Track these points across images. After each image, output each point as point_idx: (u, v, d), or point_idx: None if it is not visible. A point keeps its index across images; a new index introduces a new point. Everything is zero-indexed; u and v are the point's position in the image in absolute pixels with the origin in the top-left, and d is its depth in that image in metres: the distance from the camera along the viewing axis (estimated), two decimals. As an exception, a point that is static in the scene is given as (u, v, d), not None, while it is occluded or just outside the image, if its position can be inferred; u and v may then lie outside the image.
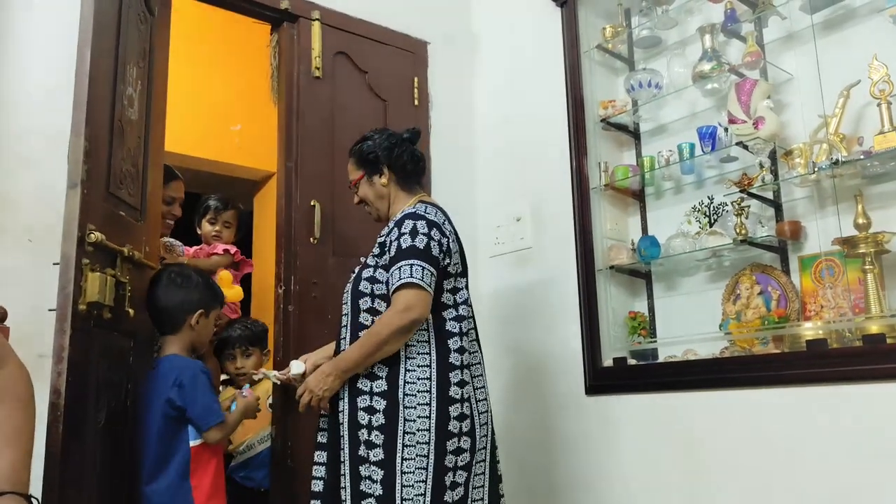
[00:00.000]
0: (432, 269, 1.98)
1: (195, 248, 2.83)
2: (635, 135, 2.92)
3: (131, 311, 1.98)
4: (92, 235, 1.79)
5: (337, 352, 2.10)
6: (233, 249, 2.84)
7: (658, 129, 2.87)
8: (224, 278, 2.68)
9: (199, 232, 2.89)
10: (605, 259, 2.76)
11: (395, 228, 2.05)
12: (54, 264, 1.76)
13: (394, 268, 1.98)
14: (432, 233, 2.02)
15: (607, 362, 2.65)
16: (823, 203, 2.34)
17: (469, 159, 3.29)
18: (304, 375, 2.20)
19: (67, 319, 1.72)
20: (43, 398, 1.65)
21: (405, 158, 2.20)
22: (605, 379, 2.64)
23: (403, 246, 1.99)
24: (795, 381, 2.15)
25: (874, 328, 2.05)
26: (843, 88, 2.23)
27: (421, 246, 1.99)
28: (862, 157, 2.16)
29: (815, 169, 2.25)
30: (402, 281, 1.95)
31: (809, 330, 2.23)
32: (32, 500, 1.22)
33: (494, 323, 3.06)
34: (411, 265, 1.96)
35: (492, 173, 3.25)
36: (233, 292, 2.72)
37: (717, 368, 2.35)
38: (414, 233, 2.00)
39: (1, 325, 1.62)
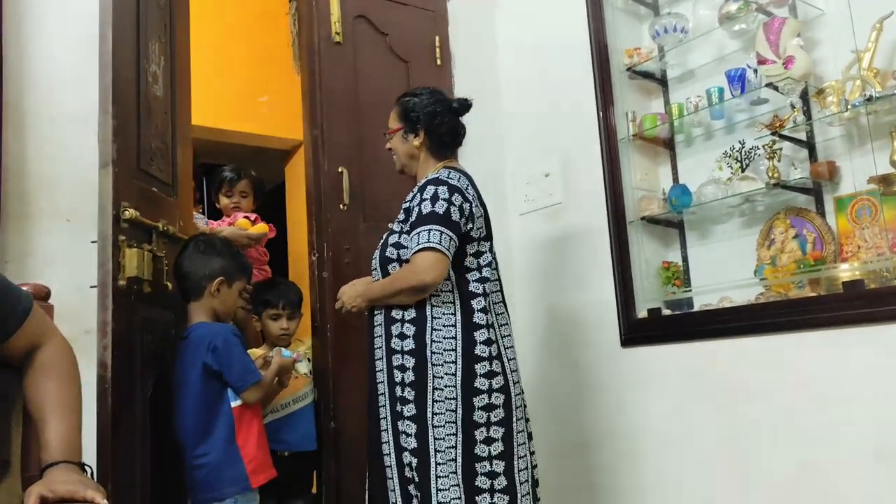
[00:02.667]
0: (451, 234, 2.00)
1: (217, 221, 2.88)
2: (662, 82, 2.87)
3: (170, 285, 2.04)
4: (126, 213, 1.84)
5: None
6: (252, 216, 2.88)
7: (686, 74, 2.81)
8: (242, 224, 2.73)
9: (218, 206, 2.94)
10: (636, 210, 2.74)
11: (418, 194, 2.07)
12: (92, 242, 1.82)
13: (413, 233, 2.01)
14: (453, 198, 2.02)
15: (642, 314, 2.65)
16: (858, 141, 2.29)
17: (495, 117, 3.26)
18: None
19: (109, 295, 1.78)
20: (91, 372, 1.73)
21: (443, 130, 2.19)
22: (639, 330, 2.64)
23: (424, 212, 2.01)
24: (833, 324, 2.12)
25: (913, 267, 2.02)
26: (876, 21, 2.15)
27: (441, 211, 2.00)
28: (897, 91, 2.10)
29: (849, 106, 2.19)
30: (421, 245, 1.98)
31: (846, 271, 2.19)
32: (86, 467, 1.28)
33: (528, 280, 3.07)
34: (430, 230, 1.98)
35: (518, 130, 3.22)
36: (258, 228, 2.77)
37: (753, 314, 2.34)
38: (434, 198, 2.02)
39: (45, 304, 1.68)
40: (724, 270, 2.57)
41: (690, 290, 2.68)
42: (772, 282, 2.39)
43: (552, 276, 3.00)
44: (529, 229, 3.10)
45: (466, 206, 2.05)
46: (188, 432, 1.95)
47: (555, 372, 2.92)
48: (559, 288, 2.96)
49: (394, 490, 2.02)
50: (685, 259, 2.75)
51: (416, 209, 2.03)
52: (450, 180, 2.07)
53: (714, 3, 2.62)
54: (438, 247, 1.97)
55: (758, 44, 2.41)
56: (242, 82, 3.96)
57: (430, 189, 2.04)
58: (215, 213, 3.07)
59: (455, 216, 2.02)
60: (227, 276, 2.08)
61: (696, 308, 2.60)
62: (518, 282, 3.05)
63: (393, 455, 2.02)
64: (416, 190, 2.11)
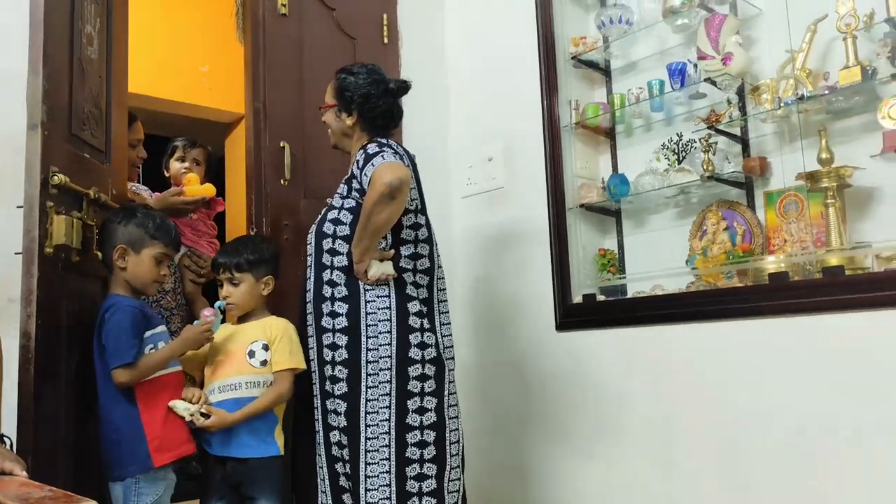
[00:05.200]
0: (402, 163, 2.00)
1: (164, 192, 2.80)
2: (606, 72, 2.91)
3: (100, 254, 1.98)
4: (55, 178, 1.77)
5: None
6: None
7: (629, 66, 2.86)
8: (192, 179, 2.64)
9: (166, 174, 2.86)
10: (576, 197, 2.78)
11: (361, 157, 2.05)
12: (18, 207, 1.75)
13: (365, 169, 1.99)
14: (396, 157, 2.02)
15: (577, 299, 2.70)
16: (789, 138, 2.37)
17: (440, 98, 3.26)
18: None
19: (34, 262, 1.72)
20: (14, 342, 1.67)
21: (377, 112, 2.17)
22: (574, 315, 2.69)
23: (370, 153, 2.01)
24: (758, 314, 2.20)
25: (834, 261, 2.11)
26: (811, 23, 2.23)
27: (388, 154, 2.01)
28: (827, 92, 2.18)
29: (781, 104, 2.27)
30: (375, 165, 1.97)
31: (772, 263, 2.28)
32: (5, 438, 1.24)
33: (467, 262, 3.09)
34: (383, 155, 1.99)
35: (463, 112, 3.23)
36: (205, 188, 2.67)
37: (683, 303, 2.41)
38: (381, 151, 2.02)
39: (-34, 269, 1.61)
40: (658, 259, 2.64)
41: (625, 277, 2.74)
42: (702, 272, 2.47)
43: (492, 259, 3.03)
44: (471, 212, 3.12)
45: (408, 170, 2.05)
46: (100, 405, 1.89)
47: (490, 354, 2.96)
48: (498, 271, 2.99)
49: (322, 467, 2.03)
50: (621, 247, 2.82)
51: (363, 159, 2.02)
52: (391, 145, 2.07)
53: (659, -4, 2.67)
54: (393, 159, 1.97)
55: (699, 39, 2.47)
56: (183, 50, 3.87)
57: (374, 147, 2.04)
58: (154, 185, 2.98)
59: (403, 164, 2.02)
60: (130, 243, 1.96)
61: (630, 295, 2.66)
62: (459, 263, 3.07)
63: (321, 434, 2.03)
64: (356, 157, 2.09)
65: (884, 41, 2.11)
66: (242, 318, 2.20)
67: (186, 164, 2.80)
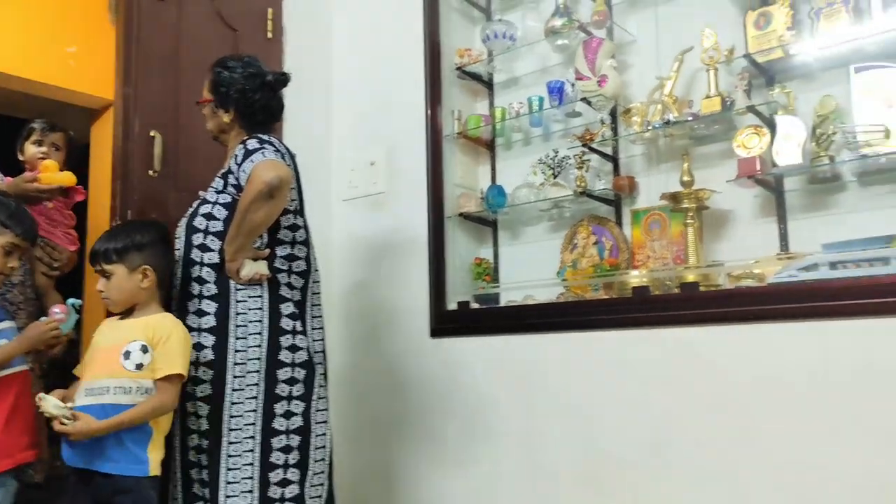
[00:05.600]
0: (283, 161, 1.95)
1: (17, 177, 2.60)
2: (489, 85, 2.97)
3: (-61, 241, 1.81)
4: None
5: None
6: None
7: (511, 80, 2.94)
8: (50, 166, 2.44)
9: (21, 158, 2.65)
10: (455, 206, 2.82)
11: (241, 151, 1.98)
12: None
13: (244, 165, 1.93)
14: (277, 156, 1.97)
15: (452, 306, 2.73)
16: (656, 160, 2.51)
17: (324, 98, 3.22)
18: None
19: None
20: None
21: (256, 108, 2.10)
22: (448, 322, 2.72)
23: (250, 148, 1.95)
24: (622, 325, 2.31)
25: (691, 277, 2.24)
26: (678, 53, 2.37)
27: (269, 153, 1.95)
28: (690, 118, 2.32)
29: (650, 128, 2.40)
30: (255, 162, 1.90)
31: (636, 278, 2.39)
32: None
33: (345, 266, 3.05)
34: (263, 152, 1.93)
35: (347, 115, 3.20)
36: (63, 176, 2.47)
37: (552, 312, 2.49)
38: (262, 147, 1.96)
39: None
40: (531, 270, 2.71)
41: (498, 287, 2.80)
42: (571, 283, 2.56)
43: (370, 264, 3.01)
44: (351, 215, 3.09)
45: (290, 169, 2.00)
46: None
47: (365, 358, 2.93)
48: (376, 275, 2.98)
49: (175, 472, 1.94)
50: (496, 256, 2.88)
51: (242, 154, 1.95)
52: (273, 142, 2.01)
53: (541, 16, 2.77)
54: (273, 157, 1.92)
55: (577, 60, 2.57)
56: (48, 28, 3.60)
57: (254, 142, 1.98)
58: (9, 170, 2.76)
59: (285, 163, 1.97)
60: None
61: (503, 303, 2.72)
62: (336, 266, 3.03)
63: (177, 438, 1.95)
64: (235, 152, 2.01)
65: (741, 75, 2.28)
66: (126, 314, 1.96)
67: (44, 149, 2.59)
